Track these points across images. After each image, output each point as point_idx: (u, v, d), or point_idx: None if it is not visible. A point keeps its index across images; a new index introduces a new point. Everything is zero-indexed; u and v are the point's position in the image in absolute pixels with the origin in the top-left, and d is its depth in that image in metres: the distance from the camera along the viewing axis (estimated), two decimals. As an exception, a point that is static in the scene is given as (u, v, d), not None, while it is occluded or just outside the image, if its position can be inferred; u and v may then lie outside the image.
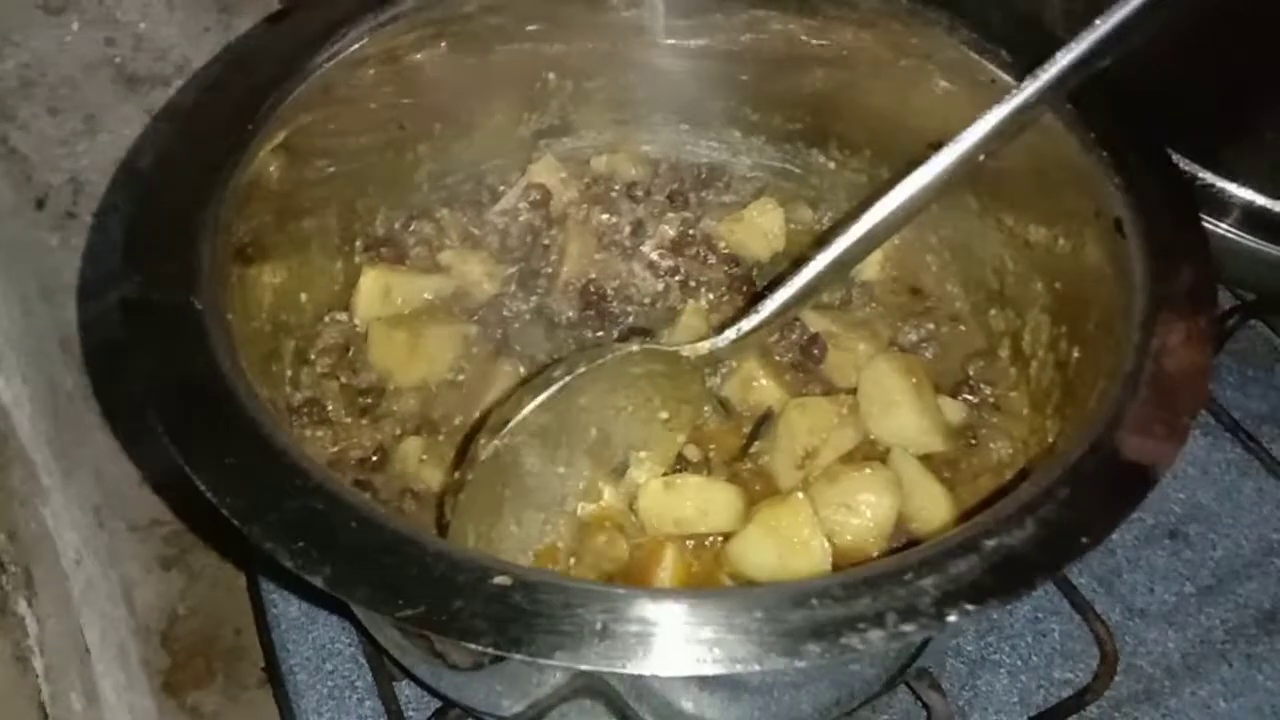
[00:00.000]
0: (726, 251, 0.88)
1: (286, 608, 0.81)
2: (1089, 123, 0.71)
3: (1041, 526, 0.51)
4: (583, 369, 0.68)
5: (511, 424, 0.66)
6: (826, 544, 0.70)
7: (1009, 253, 0.79)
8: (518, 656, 0.46)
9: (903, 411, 0.76)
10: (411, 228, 0.86)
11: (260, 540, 0.50)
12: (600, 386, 0.70)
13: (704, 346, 0.73)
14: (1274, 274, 0.92)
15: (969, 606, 0.47)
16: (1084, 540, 0.50)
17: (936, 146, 0.64)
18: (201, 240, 0.64)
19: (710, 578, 0.72)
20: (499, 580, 0.48)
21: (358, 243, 0.85)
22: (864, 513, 0.72)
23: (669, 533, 0.72)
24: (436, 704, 0.74)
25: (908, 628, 0.47)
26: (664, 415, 0.74)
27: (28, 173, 1.09)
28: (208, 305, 0.61)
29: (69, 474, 0.98)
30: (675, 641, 0.47)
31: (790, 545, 0.69)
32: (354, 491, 0.56)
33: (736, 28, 0.83)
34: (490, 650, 0.46)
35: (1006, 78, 0.74)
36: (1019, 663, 0.81)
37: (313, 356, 0.80)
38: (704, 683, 0.59)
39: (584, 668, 0.46)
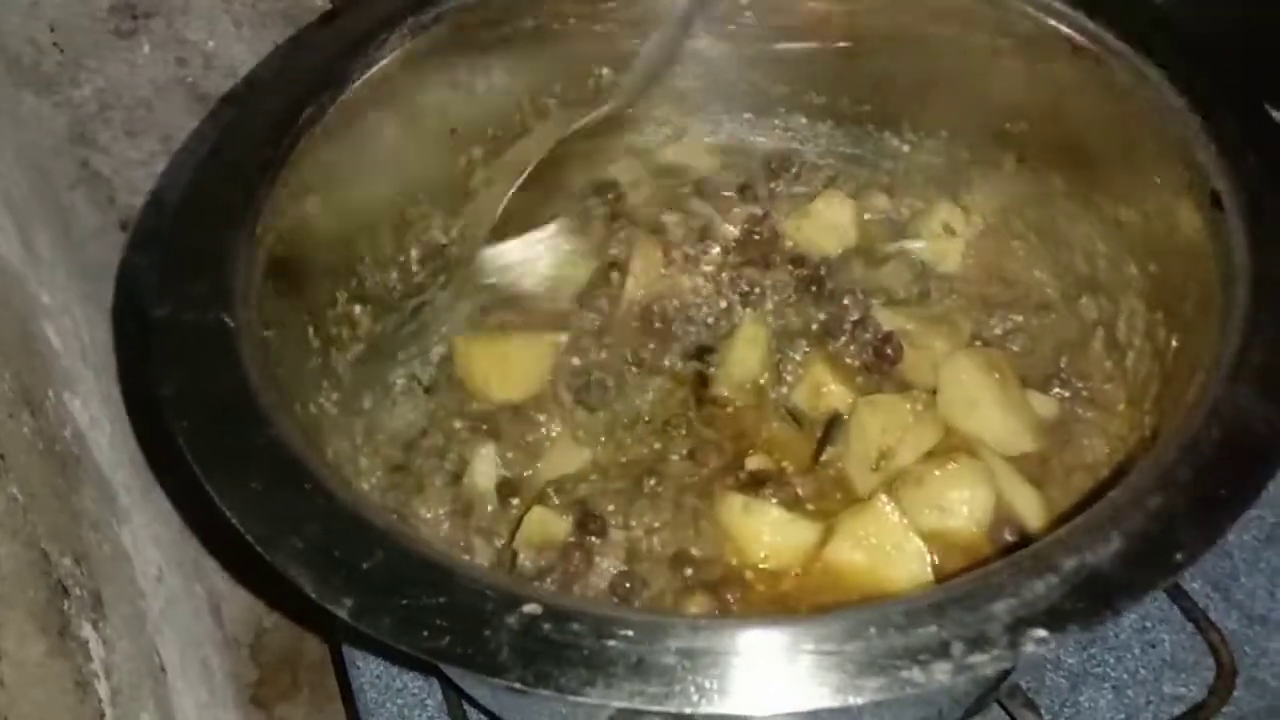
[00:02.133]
0: (793, 249, 0.84)
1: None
2: (1180, 85, 0.65)
3: (1129, 541, 0.45)
4: None
5: None
6: (923, 547, 0.65)
7: (1099, 233, 0.73)
8: (544, 693, 0.43)
9: (987, 410, 0.71)
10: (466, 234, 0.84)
11: (283, 568, 0.48)
12: None
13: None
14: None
15: (1044, 634, 0.42)
16: (1178, 558, 0.45)
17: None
18: (237, 257, 0.63)
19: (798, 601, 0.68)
20: (528, 609, 0.45)
21: (413, 252, 0.82)
22: (960, 511, 0.67)
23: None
24: (504, 723, 0.72)
25: (976, 659, 0.42)
26: None
27: (110, 195, 1.12)
28: (241, 323, 0.59)
29: (151, 491, 0.99)
30: (713, 677, 0.44)
31: (883, 554, 0.65)
32: (383, 514, 0.53)
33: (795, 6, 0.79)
34: (517, 686, 0.43)
35: (1086, 43, 0.68)
36: (1125, 676, 0.75)
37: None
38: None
39: (618, 705, 0.42)
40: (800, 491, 0.72)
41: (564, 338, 0.81)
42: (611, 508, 0.70)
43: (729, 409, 0.79)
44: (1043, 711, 0.71)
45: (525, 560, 0.70)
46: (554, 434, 0.77)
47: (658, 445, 0.76)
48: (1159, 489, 0.48)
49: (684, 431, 0.77)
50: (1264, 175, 0.60)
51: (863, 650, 0.43)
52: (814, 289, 0.82)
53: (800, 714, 0.44)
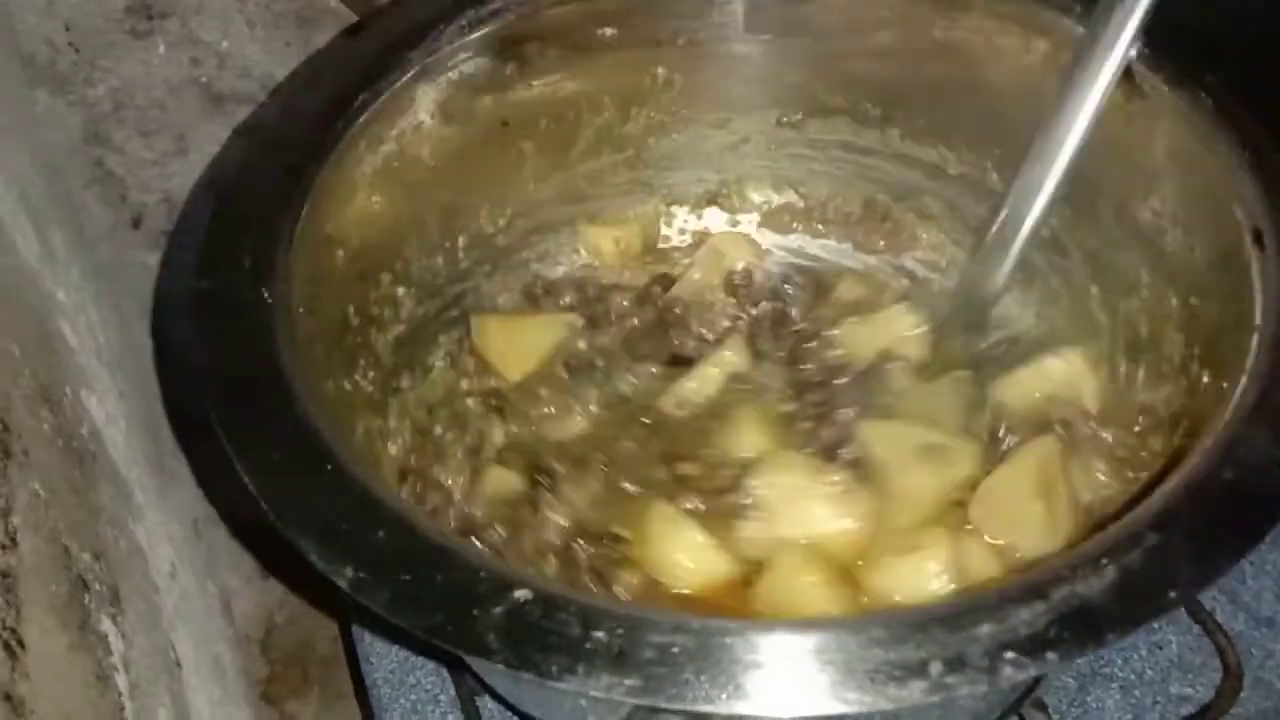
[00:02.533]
0: (836, 360, 0.81)
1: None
2: (1227, 119, 0.64)
3: (1123, 575, 0.46)
4: None
5: None
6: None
7: (1145, 263, 0.72)
8: (526, 676, 0.44)
9: (1030, 532, 0.69)
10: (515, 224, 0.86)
11: (293, 538, 0.50)
12: None
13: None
14: None
15: (1024, 660, 0.43)
16: (1171, 595, 0.45)
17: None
18: (282, 235, 0.64)
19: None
20: (519, 594, 0.47)
21: (460, 239, 0.83)
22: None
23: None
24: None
25: (952, 680, 0.43)
26: None
27: (123, 194, 1.12)
28: (280, 300, 0.61)
29: (166, 488, 1.00)
30: (691, 674, 0.44)
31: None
32: (394, 495, 0.56)
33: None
34: (502, 667, 0.44)
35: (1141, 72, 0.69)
36: (1132, 677, 0.76)
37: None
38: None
39: (595, 694, 0.43)
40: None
41: (579, 321, 0.84)
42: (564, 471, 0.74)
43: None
44: (1051, 711, 0.72)
45: (477, 512, 0.73)
46: (552, 409, 0.80)
47: (624, 430, 0.79)
48: (1160, 526, 0.48)
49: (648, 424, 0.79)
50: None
51: (843, 662, 0.44)
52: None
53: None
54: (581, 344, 0.83)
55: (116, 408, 0.92)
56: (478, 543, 0.70)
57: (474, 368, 0.83)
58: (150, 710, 0.69)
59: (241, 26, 1.04)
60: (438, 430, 0.79)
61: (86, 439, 0.79)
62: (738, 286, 0.88)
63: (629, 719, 0.60)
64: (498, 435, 0.79)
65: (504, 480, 0.75)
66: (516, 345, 0.83)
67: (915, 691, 0.42)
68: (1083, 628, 0.44)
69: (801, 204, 0.91)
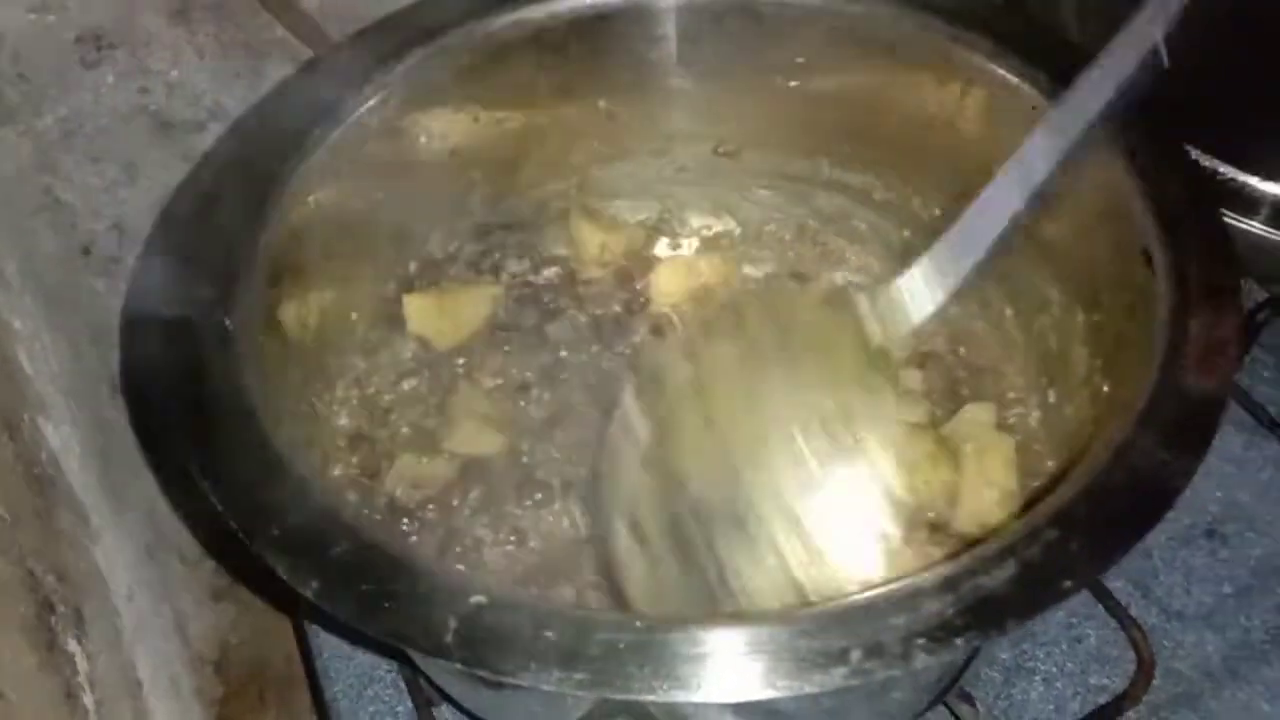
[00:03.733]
0: None
1: (328, 637, 0.83)
2: (1123, 144, 0.69)
3: (1023, 569, 0.50)
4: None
5: None
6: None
7: (1053, 279, 0.78)
8: (481, 673, 0.47)
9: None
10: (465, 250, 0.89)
11: (261, 552, 0.53)
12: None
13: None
14: (1305, 268, 0.91)
15: (934, 646, 0.47)
16: (1066, 585, 0.50)
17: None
18: (241, 267, 0.67)
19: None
20: (474, 599, 0.50)
21: (412, 265, 0.87)
22: None
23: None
24: (473, 727, 0.76)
25: (870, 665, 0.47)
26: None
27: (72, 221, 1.13)
28: (240, 326, 0.64)
29: (120, 512, 1.01)
30: (635, 668, 0.48)
31: None
32: (355, 509, 0.59)
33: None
34: (459, 667, 0.48)
35: (1043, 101, 0.74)
36: (1054, 670, 0.80)
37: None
38: (741, 709, 0.60)
39: (546, 688, 0.47)
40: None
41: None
42: None
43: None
44: (978, 704, 0.76)
45: (401, 494, 0.78)
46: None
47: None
48: (1058, 523, 0.52)
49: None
50: (1195, 239, 0.64)
51: (773, 652, 0.48)
52: None
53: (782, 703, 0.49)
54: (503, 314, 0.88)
55: (71, 434, 0.93)
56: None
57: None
58: (114, 727, 0.71)
59: (191, 56, 1.06)
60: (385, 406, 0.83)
61: (45, 464, 0.81)
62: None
63: (606, 709, 0.64)
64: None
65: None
66: (451, 317, 0.86)
67: (837, 677, 0.47)
68: (986, 616, 0.49)
69: (739, 230, 0.95)
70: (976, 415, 0.81)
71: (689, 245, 0.96)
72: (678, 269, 0.93)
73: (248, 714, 1.12)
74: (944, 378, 0.85)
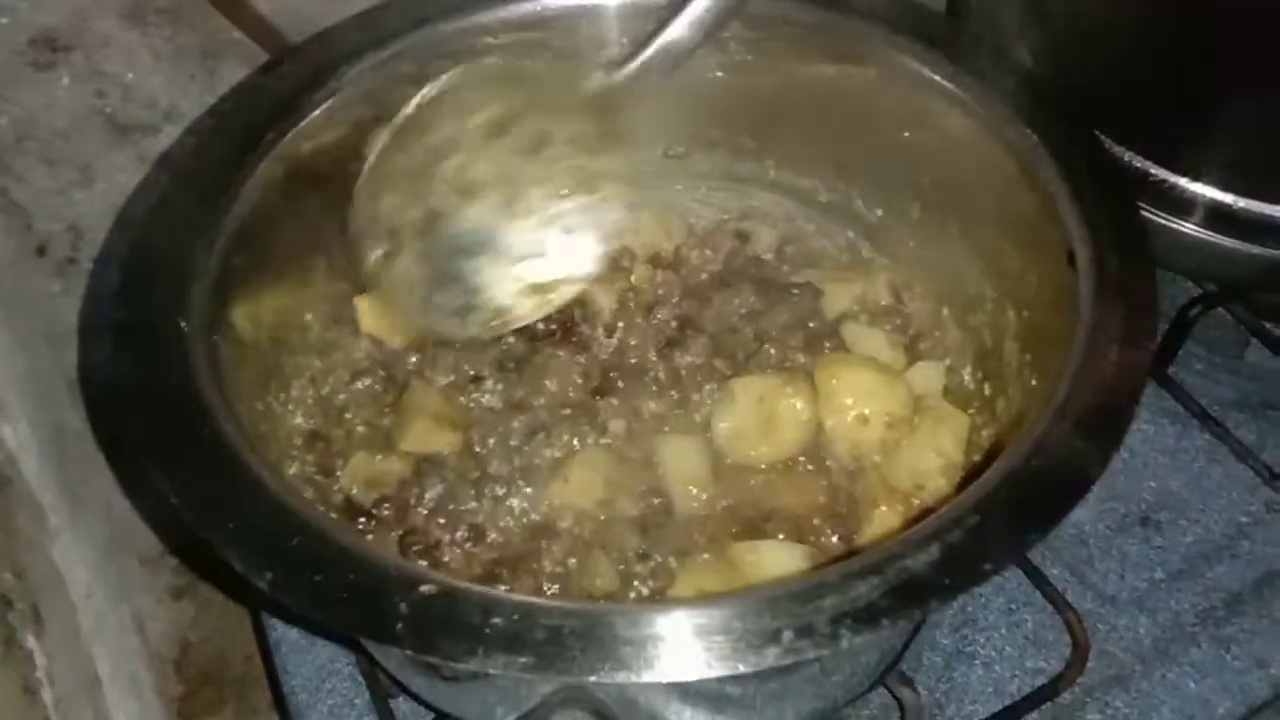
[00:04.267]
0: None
1: (287, 631, 0.85)
2: (1052, 151, 0.73)
3: (946, 552, 0.53)
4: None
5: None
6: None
7: (988, 280, 0.81)
8: (432, 660, 0.49)
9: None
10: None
11: (217, 547, 0.54)
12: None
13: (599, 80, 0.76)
14: (1234, 265, 0.94)
15: (861, 626, 0.50)
16: (986, 567, 0.52)
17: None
18: (196, 268, 0.68)
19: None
20: (425, 589, 0.52)
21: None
22: None
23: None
24: (430, 718, 0.78)
25: (800, 644, 0.49)
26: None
27: (27, 223, 1.13)
28: (195, 328, 0.65)
29: (77, 512, 1.01)
30: (578, 651, 0.50)
31: None
32: (309, 505, 0.61)
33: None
34: (409, 653, 0.49)
35: (977, 108, 0.78)
36: (993, 654, 0.83)
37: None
38: (687, 695, 0.63)
39: (492, 671, 0.49)
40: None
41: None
42: None
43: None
44: (920, 688, 0.78)
45: (357, 493, 0.79)
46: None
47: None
48: (979, 509, 0.55)
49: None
50: (1115, 240, 0.67)
51: (709, 634, 0.50)
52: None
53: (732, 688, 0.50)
54: None
55: (28, 435, 0.94)
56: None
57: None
58: (74, 722, 0.72)
59: (146, 59, 1.07)
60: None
61: (2, 465, 0.81)
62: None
63: (535, 712, 0.66)
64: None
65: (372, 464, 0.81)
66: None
67: (770, 656, 0.49)
68: (910, 597, 0.51)
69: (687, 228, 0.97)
70: (928, 373, 0.84)
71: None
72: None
73: (207, 712, 1.13)
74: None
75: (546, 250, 0.85)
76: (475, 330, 0.85)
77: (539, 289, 0.86)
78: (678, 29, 0.74)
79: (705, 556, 0.75)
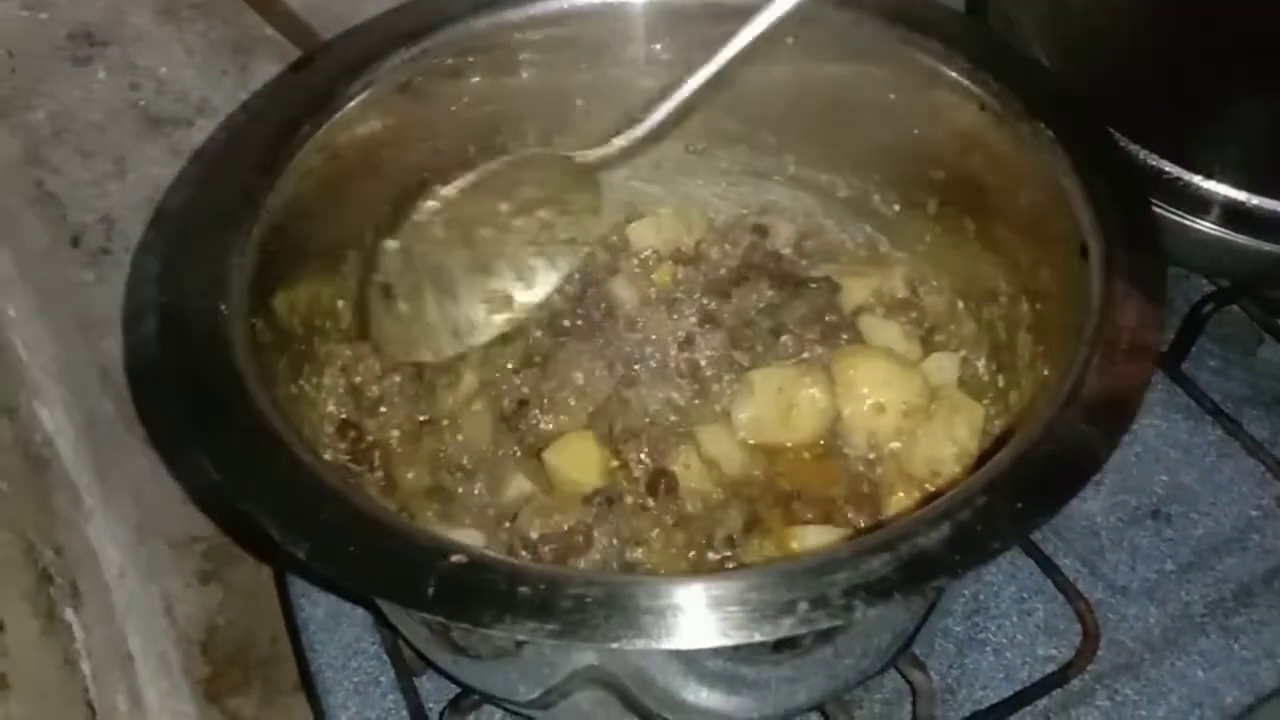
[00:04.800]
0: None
1: (314, 611, 0.87)
2: (1065, 146, 0.74)
3: (956, 530, 0.55)
4: (473, 176, 0.77)
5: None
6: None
7: (1002, 273, 0.82)
8: (463, 625, 0.52)
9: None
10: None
11: (257, 517, 0.56)
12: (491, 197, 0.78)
13: (593, 153, 0.78)
14: (1247, 262, 0.95)
15: (873, 599, 0.52)
16: (995, 545, 0.54)
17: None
18: (233, 254, 0.71)
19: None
20: (455, 558, 0.54)
21: None
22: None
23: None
24: (452, 696, 0.79)
25: (815, 615, 0.51)
26: (563, 235, 0.81)
27: (62, 214, 1.16)
28: (235, 312, 0.68)
29: (110, 496, 1.04)
30: (601, 619, 0.52)
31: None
32: (343, 478, 0.63)
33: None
34: (438, 619, 0.51)
35: (993, 104, 0.79)
36: (1004, 641, 0.85)
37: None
38: (704, 675, 0.65)
39: (520, 638, 0.52)
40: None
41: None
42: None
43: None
44: (932, 673, 0.80)
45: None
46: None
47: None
48: (989, 490, 0.57)
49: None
50: (1126, 234, 0.69)
51: (727, 604, 0.52)
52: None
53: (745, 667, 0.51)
54: None
55: (64, 418, 0.96)
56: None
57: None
58: (109, 696, 0.74)
59: (180, 54, 1.09)
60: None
61: (40, 446, 0.84)
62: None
63: (557, 688, 0.68)
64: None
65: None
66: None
67: (785, 626, 0.51)
68: (920, 572, 0.53)
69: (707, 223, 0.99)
70: (943, 364, 0.86)
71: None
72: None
73: (233, 692, 1.16)
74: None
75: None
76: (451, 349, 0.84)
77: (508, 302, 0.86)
78: (668, 108, 0.75)
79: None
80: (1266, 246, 0.93)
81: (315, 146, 0.77)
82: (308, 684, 0.85)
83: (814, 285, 0.91)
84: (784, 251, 0.96)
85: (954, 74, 0.80)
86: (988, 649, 0.84)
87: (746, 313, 0.91)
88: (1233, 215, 0.95)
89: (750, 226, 0.97)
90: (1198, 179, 0.96)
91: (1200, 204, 0.95)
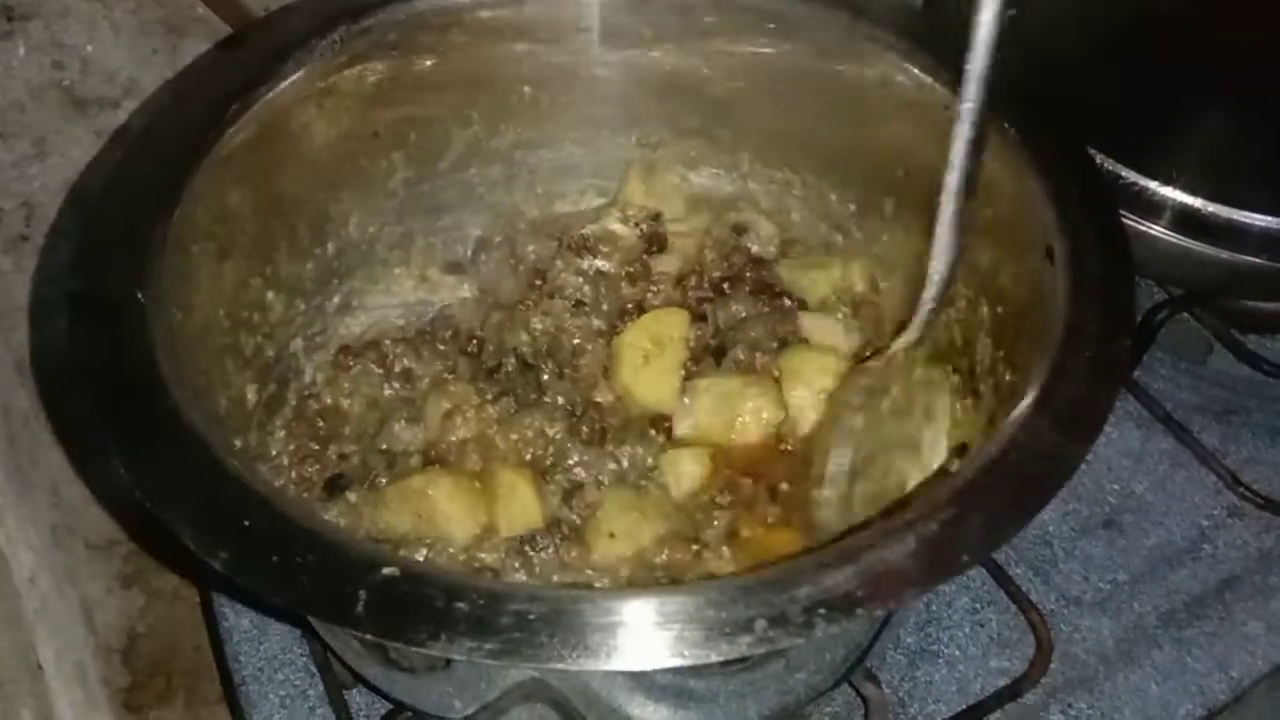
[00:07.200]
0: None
1: (238, 620, 0.82)
2: (1031, 149, 0.72)
3: (921, 543, 0.52)
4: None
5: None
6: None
7: (961, 275, 0.79)
8: (394, 644, 0.48)
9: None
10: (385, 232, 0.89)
11: (171, 523, 0.52)
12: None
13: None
14: (1202, 270, 0.95)
15: (836, 615, 0.49)
16: (963, 559, 0.52)
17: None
18: (154, 239, 0.66)
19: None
20: (387, 571, 0.51)
21: (330, 245, 0.86)
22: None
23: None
24: (385, 710, 0.76)
25: (774, 633, 0.48)
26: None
27: (-20, 197, 1.11)
28: (153, 300, 0.63)
29: (24, 494, 0.99)
30: (545, 637, 0.49)
31: None
32: (266, 483, 0.59)
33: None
34: (369, 637, 0.48)
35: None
36: (957, 653, 0.83)
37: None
38: (651, 690, 0.61)
39: (455, 657, 0.48)
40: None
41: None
42: None
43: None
44: (884, 686, 0.78)
45: None
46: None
47: None
48: (956, 501, 0.55)
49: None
50: (1092, 238, 0.67)
51: (682, 621, 0.49)
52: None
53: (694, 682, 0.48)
54: None
55: (-27, 416, 0.91)
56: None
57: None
58: (13, 710, 0.70)
59: (107, 32, 1.04)
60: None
61: (-55, 443, 0.79)
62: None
63: (494, 704, 0.64)
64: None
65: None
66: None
67: (743, 645, 0.48)
68: (886, 587, 0.51)
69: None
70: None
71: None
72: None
73: (155, 703, 1.11)
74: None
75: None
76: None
77: None
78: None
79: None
80: (1222, 254, 0.92)
81: (244, 128, 0.73)
82: (231, 697, 0.81)
83: (778, 303, 0.89)
84: (751, 248, 0.93)
85: (915, 70, 0.79)
86: (940, 661, 0.82)
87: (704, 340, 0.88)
88: (1188, 222, 0.94)
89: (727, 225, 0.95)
90: (1154, 184, 0.95)
91: (1156, 210, 0.95)
